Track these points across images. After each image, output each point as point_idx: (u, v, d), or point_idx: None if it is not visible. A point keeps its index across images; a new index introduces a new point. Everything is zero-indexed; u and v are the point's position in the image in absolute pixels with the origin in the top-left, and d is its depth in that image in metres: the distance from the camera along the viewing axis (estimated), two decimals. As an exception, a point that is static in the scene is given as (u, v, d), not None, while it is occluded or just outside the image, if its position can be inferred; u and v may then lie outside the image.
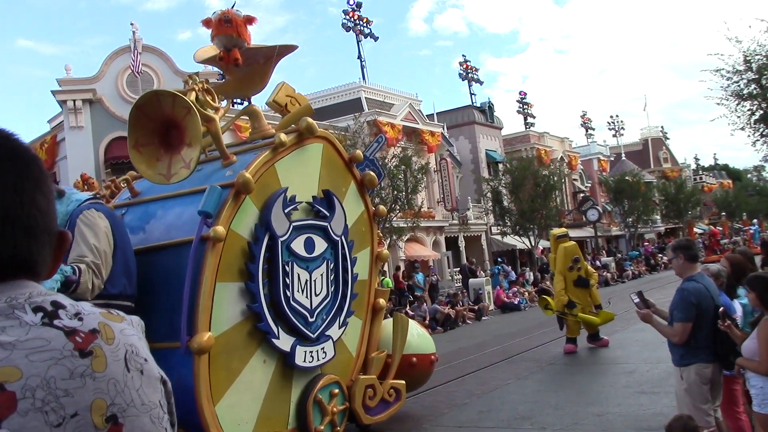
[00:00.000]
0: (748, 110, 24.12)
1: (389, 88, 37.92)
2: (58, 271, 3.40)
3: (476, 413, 9.70)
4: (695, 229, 56.91)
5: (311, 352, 7.46)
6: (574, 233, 48.58)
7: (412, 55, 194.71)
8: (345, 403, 8.01)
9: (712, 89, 24.95)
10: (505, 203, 38.38)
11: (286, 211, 7.22)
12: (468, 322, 24.65)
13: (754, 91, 23.70)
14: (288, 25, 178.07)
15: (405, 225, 28.12)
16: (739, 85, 23.79)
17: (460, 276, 33.23)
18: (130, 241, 6.25)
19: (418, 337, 9.61)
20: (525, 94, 52.32)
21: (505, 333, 19.57)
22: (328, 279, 7.84)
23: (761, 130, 24.41)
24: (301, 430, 7.37)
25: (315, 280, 7.63)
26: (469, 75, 46.75)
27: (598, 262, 39.64)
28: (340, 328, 8.00)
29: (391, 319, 9.37)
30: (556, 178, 39.45)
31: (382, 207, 9.38)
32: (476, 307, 26.28)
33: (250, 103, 8.38)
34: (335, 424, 7.77)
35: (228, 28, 7.25)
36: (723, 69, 23.51)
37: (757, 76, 23.40)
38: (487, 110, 46.40)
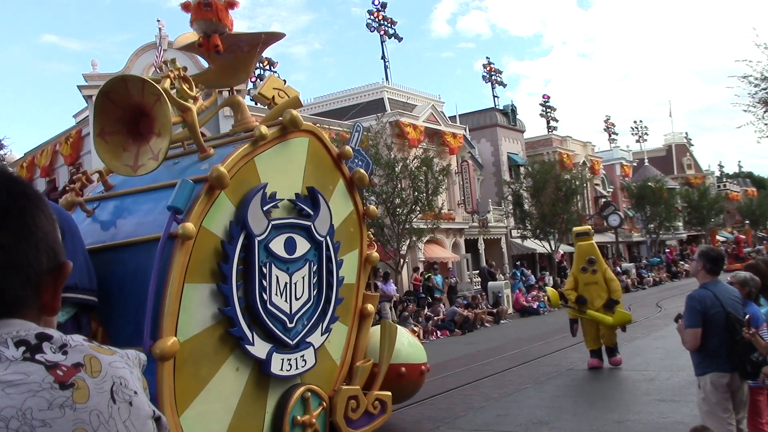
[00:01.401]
0: None
1: (412, 88, 37.26)
2: None
3: (493, 417, 9.56)
4: (718, 237, 55.75)
5: (289, 359, 6.84)
6: (595, 238, 47.81)
7: (434, 56, 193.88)
8: (325, 415, 7.41)
9: (739, 96, 24.28)
10: (526, 207, 37.67)
11: (264, 208, 6.60)
12: (486, 325, 24.41)
13: None
14: (311, 24, 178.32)
15: (425, 226, 27.52)
16: (767, 92, 23.17)
17: (479, 279, 32.61)
18: (80, 236, 5.73)
19: (409, 346, 8.94)
20: (548, 97, 51.45)
21: (523, 337, 19.35)
22: (310, 282, 7.21)
23: None
24: None
25: (295, 283, 7.00)
26: (493, 77, 45.90)
27: (618, 268, 38.98)
28: (322, 334, 7.36)
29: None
30: (577, 183, 38.64)
31: (372, 207, 8.68)
32: (495, 311, 26.01)
33: (232, 93, 7.70)
34: None
35: (207, 12, 6.68)
36: (751, 75, 22.92)
37: None
38: (509, 113, 45.62)
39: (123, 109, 5.78)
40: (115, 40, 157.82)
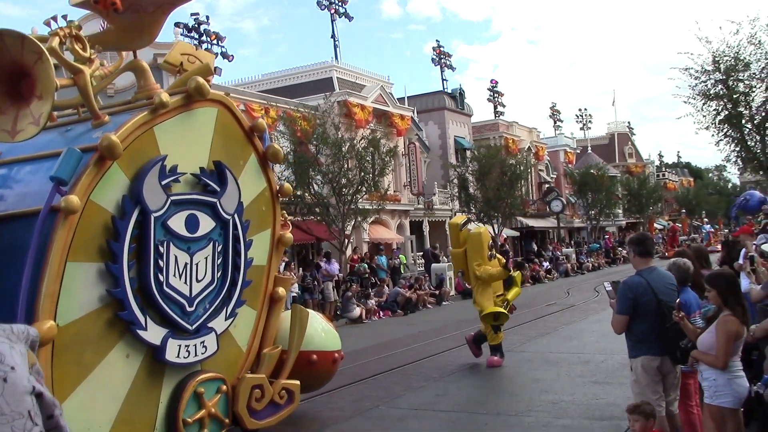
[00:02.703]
0: (714, 110, 23.77)
1: (361, 69, 36.67)
2: None
3: (432, 396, 9.62)
4: (656, 225, 56.60)
5: (188, 346, 6.27)
6: (537, 223, 48.38)
7: (384, 37, 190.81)
8: (227, 405, 6.84)
9: (680, 87, 24.47)
10: (471, 190, 37.41)
11: (163, 182, 6.00)
12: (429, 306, 24.28)
13: (721, 92, 23.36)
14: (260, 0, 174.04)
15: (370, 207, 27.03)
16: (706, 85, 23.44)
17: (423, 260, 32.28)
18: None
19: (322, 333, 8.40)
20: (496, 82, 51.03)
21: (464, 319, 18.96)
22: (214, 263, 6.62)
23: (725, 130, 24.18)
24: None
25: (197, 264, 6.42)
26: (442, 60, 45.36)
27: (559, 253, 39.16)
28: (227, 319, 6.79)
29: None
30: (522, 168, 38.60)
31: (287, 185, 8.10)
32: (437, 292, 25.84)
33: (135, 57, 6.95)
34: (212, 429, 6.58)
35: (102, -36, 5.89)
36: (692, 68, 23.11)
37: (724, 77, 23.07)
38: (457, 97, 45.19)
39: (0, 68, 5.05)
40: (56, 6, 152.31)
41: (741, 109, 23.45)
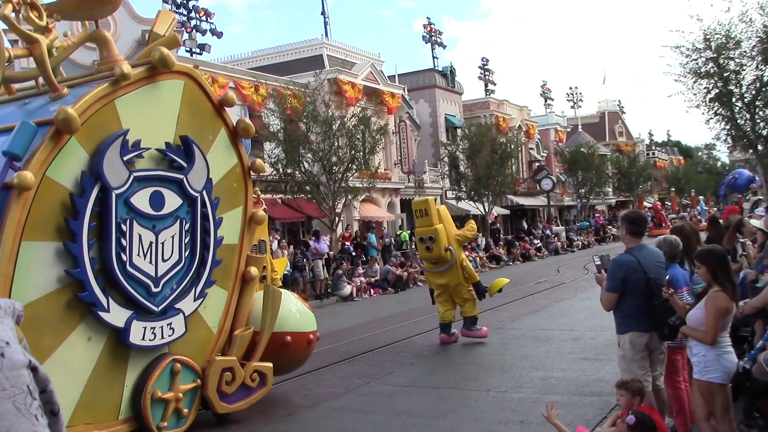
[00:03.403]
0: (704, 88, 23.62)
1: (352, 46, 36.07)
2: None
3: (423, 373, 9.75)
4: (645, 203, 56.47)
5: (153, 328, 5.99)
6: (527, 201, 48.17)
7: (374, 14, 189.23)
8: (196, 388, 6.56)
9: (671, 66, 24.22)
10: (462, 168, 37.07)
11: (125, 158, 5.67)
12: (419, 284, 24.05)
13: (711, 70, 23.17)
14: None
15: (361, 185, 26.70)
16: (697, 63, 23.27)
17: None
18: None
19: (297, 313, 8.06)
20: (487, 60, 50.37)
21: None
22: (181, 242, 6.32)
23: (715, 108, 24.04)
24: (137, 420, 5.94)
25: (163, 243, 6.11)
26: (433, 38, 44.76)
27: (549, 231, 39.01)
28: (195, 300, 6.49)
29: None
30: (513, 146, 38.28)
31: (259, 161, 7.69)
32: None
33: (97, 26, 6.54)
34: (182, 415, 6.33)
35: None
36: (683, 46, 22.95)
37: (715, 55, 22.87)
38: (448, 74, 44.70)
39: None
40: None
41: (731, 87, 23.31)
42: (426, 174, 38.77)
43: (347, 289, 21.21)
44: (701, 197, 62.62)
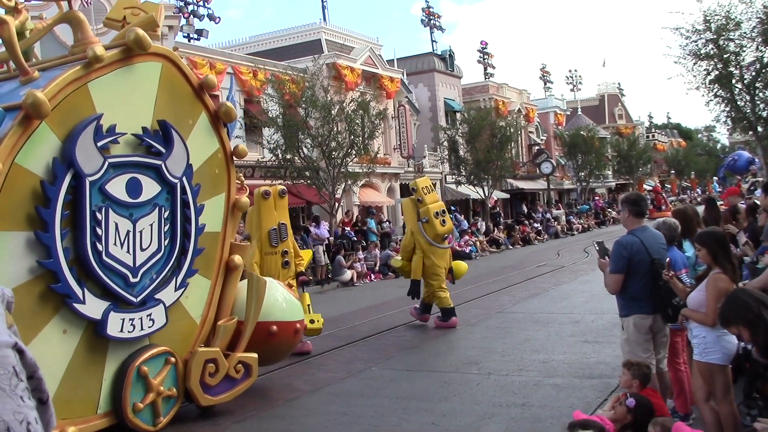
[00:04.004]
0: (704, 70, 23.63)
1: (350, 30, 35.85)
2: None
3: (425, 357, 9.74)
4: (645, 186, 56.41)
5: (132, 319, 5.85)
6: (527, 185, 48.13)
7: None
8: (175, 384, 6.45)
9: (671, 47, 24.13)
10: (461, 153, 36.95)
11: (99, 143, 5.53)
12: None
13: (711, 52, 23.16)
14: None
15: (360, 170, 26.64)
16: (697, 45, 23.28)
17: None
18: None
19: (283, 302, 7.86)
20: (486, 43, 50.04)
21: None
22: (160, 230, 6.18)
23: (715, 90, 24.03)
24: (117, 415, 5.84)
25: (141, 231, 5.98)
26: (431, 22, 44.51)
27: (549, 215, 39.02)
28: (177, 289, 6.36)
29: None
30: (512, 130, 38.14)
31: (242, 146, 7.48)
32: None
33: (71, 7, 6.44)
34: (159, 410, 6.22)
35: None
36: (683, 27, 22.95)
37: (715, 37, 22.85)
38: (447, 58, 44.37)
39: None
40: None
41: (731, 68, 23.23)
42: (425, 158, 38.62)
43: (348, 274, 21.24)
44: (715, 178, 62.29)
